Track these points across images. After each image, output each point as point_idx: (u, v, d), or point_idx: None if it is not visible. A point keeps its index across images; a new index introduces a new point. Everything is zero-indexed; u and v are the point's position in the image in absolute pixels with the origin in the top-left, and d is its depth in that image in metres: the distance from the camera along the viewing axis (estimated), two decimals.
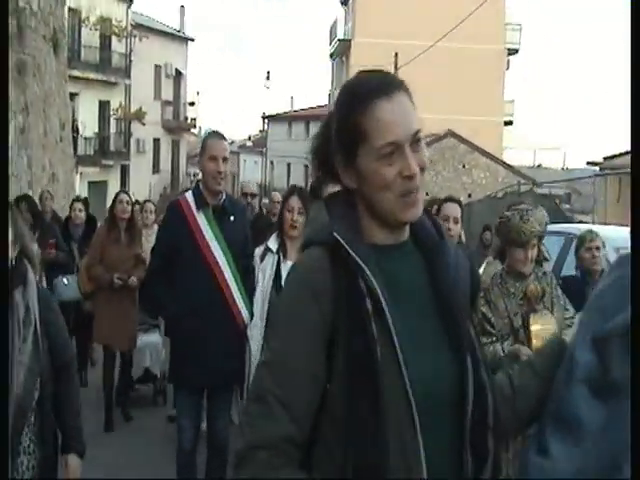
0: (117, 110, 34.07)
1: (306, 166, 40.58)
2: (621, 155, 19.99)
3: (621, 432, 1.44)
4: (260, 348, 4.39)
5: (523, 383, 1.73)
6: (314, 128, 41.55)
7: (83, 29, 30.21)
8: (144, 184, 34.21)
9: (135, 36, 34.33)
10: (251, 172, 46.90)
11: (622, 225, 7.43)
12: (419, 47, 26.84)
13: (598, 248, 5.38)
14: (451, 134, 28.99)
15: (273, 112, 48.28)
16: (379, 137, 1.55)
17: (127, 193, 7.17)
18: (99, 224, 7.25)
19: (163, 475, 4.91)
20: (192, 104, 42.85)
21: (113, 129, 34.54)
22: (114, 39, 32.51)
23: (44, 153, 13.59)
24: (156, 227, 7.53)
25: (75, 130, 26.19)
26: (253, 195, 7.86)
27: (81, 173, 27.51)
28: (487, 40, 33.52)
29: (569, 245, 6.83)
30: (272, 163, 46.76)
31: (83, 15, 30.09)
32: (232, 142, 43.10)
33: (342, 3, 39.40)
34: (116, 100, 34.00)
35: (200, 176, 4.55)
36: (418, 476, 1.48)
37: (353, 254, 1.54)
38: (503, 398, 1.68)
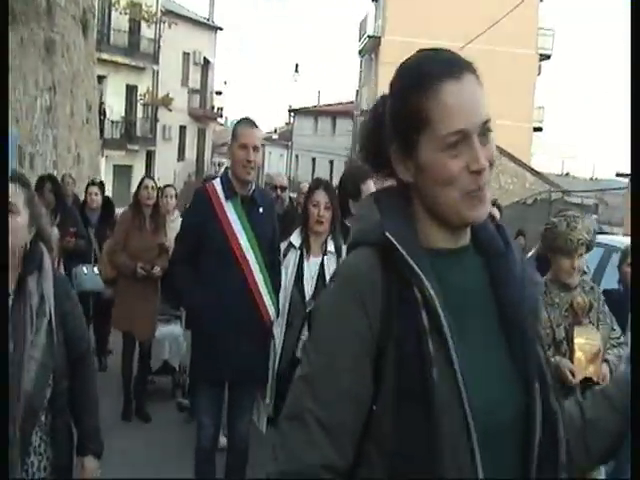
0: (144, 95, 34.09)
1: (331, 161, 40.38)
2: None
3: None
4: (281, 347, 4.23)
5: (598, 416, 1.53)
6: (340, 124, 41.38)
7: (113, 12, 30.06)
8: (169, 171, 34.15)
9: (164, 22, 34.25)
10: (276, 165, 46.74)
11: None
12: (450, 48, 26.36)
13: None
14: None
15: (300, 105, 48.13)
16: (444, 124, 1.34)
17: (152, 179, 7.00)
18: (123, 209, 7.06)
19: (179, 468, 4.82)
20: (219, 93, 42.86)
21: (140, 114, 34.56)
22: (143, 24, 32.30)
23: (70, 134, 13.47)
24: (177, 213, 7.37)
25: (102, 113, 26.19)
26: (283, 188, 7.54)
27: (107, 156, 27.58)
28: (519, 44, 33.00)
29: (607, 257, 6.59)
30: (297, 157, 46.57)
31: None
32: None
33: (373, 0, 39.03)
34: (144, 85, 34.02)
35: (228, 164, 4.35)
36: None
37: (408, 258, 1.33)
38: (573, 429, 1.48)
